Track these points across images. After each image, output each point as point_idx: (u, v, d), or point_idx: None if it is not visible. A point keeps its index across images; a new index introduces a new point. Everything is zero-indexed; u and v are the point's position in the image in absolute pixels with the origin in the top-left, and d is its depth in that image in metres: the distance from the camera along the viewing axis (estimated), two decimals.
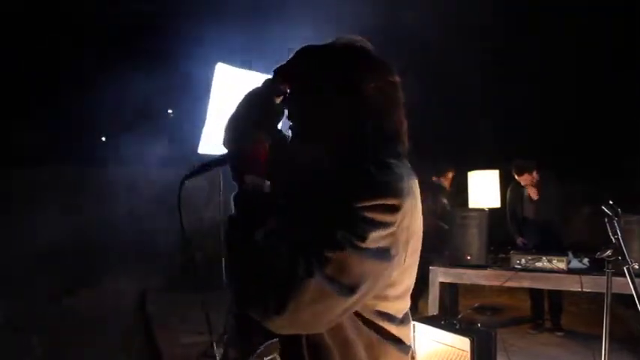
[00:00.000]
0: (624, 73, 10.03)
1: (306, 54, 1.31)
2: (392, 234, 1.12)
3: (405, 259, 1.20)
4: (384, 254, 1.12)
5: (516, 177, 5.57)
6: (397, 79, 1.29)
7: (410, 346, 1.33)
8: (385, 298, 1.22)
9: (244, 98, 1.32)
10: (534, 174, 5.45)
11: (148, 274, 7.39)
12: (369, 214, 1.10)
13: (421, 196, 1.23)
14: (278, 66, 1.34)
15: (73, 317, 5.95)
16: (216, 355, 4.46)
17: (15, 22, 10.40)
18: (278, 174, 1.27)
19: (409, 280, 1.28)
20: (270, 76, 1.37)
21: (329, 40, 1.33)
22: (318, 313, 1.07)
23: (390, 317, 1.26)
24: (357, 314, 1.19)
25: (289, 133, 1.34)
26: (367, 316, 1.22)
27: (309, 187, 1.25)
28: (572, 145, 10.45)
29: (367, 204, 1.10)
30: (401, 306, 1.29)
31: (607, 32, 10.00)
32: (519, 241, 5.63)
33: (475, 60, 10.38)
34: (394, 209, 1.12)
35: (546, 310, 5.72)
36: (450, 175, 5.77)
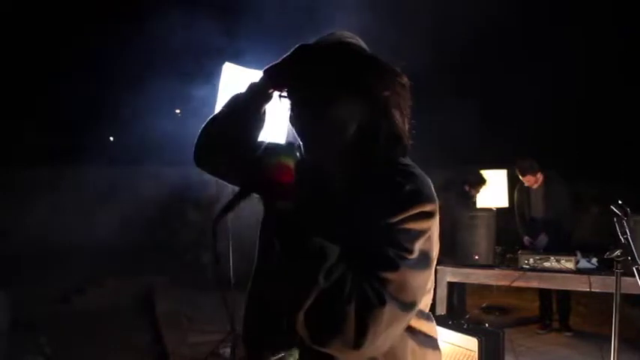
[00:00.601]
0: (633, 73, 9.98)
1: (302, 55, 1.26)
2: (429, 238, 1.13)
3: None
4: (427, 260, 1.13)
5: (520, 177, 5.55)
6: (405, 79, 1.27)
7: (437, 339, 1.35)
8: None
9: (227, 106, 1.30)
10: (538, 175, 5.43)
11: (156, 272, 7.41)
12: (410, 225, 1.10)
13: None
14: (269, 66, 1.30)
15: (82, 316, 5.98)
16: (224, 354, 4.48)
17: (16, 21, 10.44)
18: (302, 189, 1.20)
19: (433, 274, 1.27)
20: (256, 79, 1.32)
21: (319, 36, 1.29)
22: (388, 337, 1.07)
23: (421, 313, 1.27)
24: None
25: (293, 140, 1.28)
26: None
27: (334, 200, 1.21)
28: (580, 145, 10.40)
29: (406, 215, 1.10)
30: (429, 299, 1.30)
31: (615, 32, 9.95)
32: (526, 240, 5.61)
33: (481, 59, 10.36)
34: (430, 215, 1.13)
35: (554, 311, 5.70)
36: (482, 188, 5.63)
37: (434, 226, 1.15)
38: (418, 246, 1.10)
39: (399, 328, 1.09)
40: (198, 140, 1.43)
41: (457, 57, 10.47)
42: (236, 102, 1.38)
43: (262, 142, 1.29)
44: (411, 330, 1.23)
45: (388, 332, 1.06)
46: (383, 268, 1.06)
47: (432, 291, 1.31)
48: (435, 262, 1.18)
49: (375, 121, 1.22)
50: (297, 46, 1.27)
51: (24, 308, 5.14)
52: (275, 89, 1.30)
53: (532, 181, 5.47)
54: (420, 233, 1.11)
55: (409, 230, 1.10)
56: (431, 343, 1.30)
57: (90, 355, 4.96)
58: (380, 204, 1.12)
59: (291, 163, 1.16)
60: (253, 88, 1.33)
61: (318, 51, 1.26)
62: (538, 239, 5.44)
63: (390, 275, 1.06)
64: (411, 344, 1.23)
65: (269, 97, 1.32)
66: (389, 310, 1.04)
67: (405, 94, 1.26)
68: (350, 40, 1.29)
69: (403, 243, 1.09)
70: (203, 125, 1.43)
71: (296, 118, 1.25)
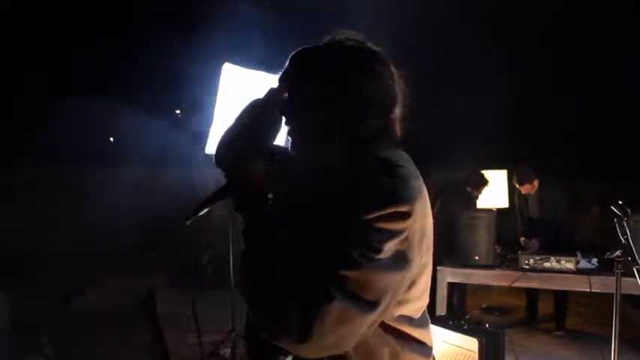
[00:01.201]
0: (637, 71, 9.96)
1: (300, 57, 1.30)
2: (406, 239, 1.11)
3: (421, 259, 1.19)
4: (401, 262, 1.11)
5: (517, 186, 5.60)
6: (392, 70, 1.28)
7: (431, 347, 1.32)
8: (406, 300, 1.21)
9: (247, 111, 1.29)
10: (534, 182, 5.48)
11: (156, 273, 7.41)
12: (382, 225, 1.08)
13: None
14: (281, 73, 1.33)
15: (83, 316, 5.98)
16: (225, 354, 4.47)
17: (18, 20, 10.45)
18: (282, 189, 1.24)
19: (427, 278, 1.27)
20: (273, 85, 1.36)
21: (327, 38, 1.31)
22: (343, 335, 1.06)
23: (409, 319, 1.25)
24: (380, 322, 1.17)
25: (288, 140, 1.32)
26: (389, 323, 1.20)
27: (316, 197, 1.22)
28: (582, 144, 10.39)
29: (378, 214, 1.08)
30: (420, 305, 1.28)
31: (624, 31, 9.93)
32: (523, 241, 5.64)
33: (486, 57, 10.33)
34: (406, 216, 1.11)
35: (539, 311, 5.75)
36: (484, 189, 5.66)
37: (412, 227, 1.13)
38: (390, 246, 1.08)
39: (356, 327, 1.07)
40: (220, 143, 1.44)
41: (457, 55, 10.47)
42: (254, 106, 1.37)
43: (275, 145, 1.33)
44: (394, 332, 1.22)
45: (342, 330, 1.05)
46: (342, 266, 1.05)
47: (424, 297, 1.29)
48: (414, 264, 1.15)
49: (363, 117, 1.24)
50: (296, 50, 1.30)
51: (25, 308, 5.14)
52: (283, 94, 1.32)
53: (529, 188, 5.55)
54: (394, 233, 1.09)
55: (380, 230, 1.08)
56: (421, 349, 1.27)
57: (90, 355, 4.97)
58: (354, 202, 1.11)
59: (261, 171, 1.21)
60: (269, 94, 1.33)
61: (310, 54, 1.29)
62: (531, 242, 5.47)
63: (348, 273, 1.05)
64: (392, 346, 1.21)
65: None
66: (336, 307, 1.03)
67: (397, 87, 1.27)
68: (351, 40, 1.29)
69: (371, 242, 1.07)
70: (227, 129, 1.44)
71: (288, 118, 1.28)
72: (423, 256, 1.20)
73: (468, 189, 5.51)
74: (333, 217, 1.12)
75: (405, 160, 1.22)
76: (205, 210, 1.28)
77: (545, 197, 5.54)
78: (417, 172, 1.22)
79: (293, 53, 1.31)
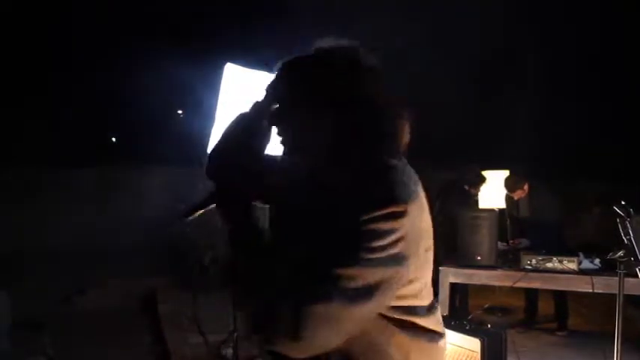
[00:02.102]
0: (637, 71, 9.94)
1: (289, 68, 1.31)
2: (402, 238, 1.14)
3: (419, 258, 1.22)
4: (396, 260, 1.14)
5: (508, 193, 5.65)
6: (382, 79, 1.30)
7: (442, 333, 1.36)
8: (405, 297, 1.24)
9: (235, 124, 1.32)
10: (525, 187, 5.53)
11: (157, 273, 7.41)
12: (377, 225, 1.12)
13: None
14: (268, 85, 1.35)
15: (83, 316, 5.98)
16: (226, 354, 4.47)
17: (19, 19, 10.45)
18: (274, 198, 1.31)
19: (427, 276, 1.30)
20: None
21: (316, 46, 1.33)
22: (336, 332, 1.10)
23: (414, 310, 1.27)
24: (380, 315, 1.21)
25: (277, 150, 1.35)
26: (391, 315, 1.23)
27: (311, 202, 1.25)
28: (585, 145, 10.37)
29: (374, 215, 1.12)
30: (424, 300, 1.31)
31: (624, 30, 9.91)
32: (511, 242, 5.66)
33: (481, 56, 10.34)
34: (400, 215, 1.14)
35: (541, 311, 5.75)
36: (481, 187, 5.71)
37: (408, 225, 1.15)
38: (383, 245, 1.11)
39: (346, 324, 1.11)
40: (211, 156, 1.43)
41: (459, 55, 10.47)
42: (242, 119, 1.39)
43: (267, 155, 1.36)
44: (398, 323, 1.24)
45: (332, 327, 1.09)
46: (338, 264, 1.09)
47: (428, 291, 1.33)
48: (410, 262, 1.17)
49: (358, 124, 1.26)
50: (283, 61, 1.33)
51: (25, 308, 5.14)
52: (271, 105, 1.35)
53: (520, 194, 5.63)
54: (387, 233, 1.12)
55: (375, 230, 1.11)
56: (428, 336, 1.30)
57: (91, 355, 4.97)
58: (350, 204, 1.14)
59: (247, 179, 1.25)
60: (256, 106, 1.36)
61: (301, 64, 1.31)
62: (520, 242, 5.50)
63: (344, 271, 1.08)
64: (398, 338, 1.24)
65: (269, 112, 1.37)
66: (335, 305, 1.07)
67: (381, 90, 1.29)
68: (342, 49, 1.31)
69: (365, 242, 1.10)
70: (217, 143, 1.44)
71: (280, 127, 1.31)
72: (422, 255, 1.23)
73: (466, 187, 5.54)
74: (328, 219, 1.15)
75: (402, 165, 1.25)
76: (198, 213, 1.32)
77: (535, 199, 5.59)
78: (415, 177, 1.25)
79: (281, 64, 1.32)
